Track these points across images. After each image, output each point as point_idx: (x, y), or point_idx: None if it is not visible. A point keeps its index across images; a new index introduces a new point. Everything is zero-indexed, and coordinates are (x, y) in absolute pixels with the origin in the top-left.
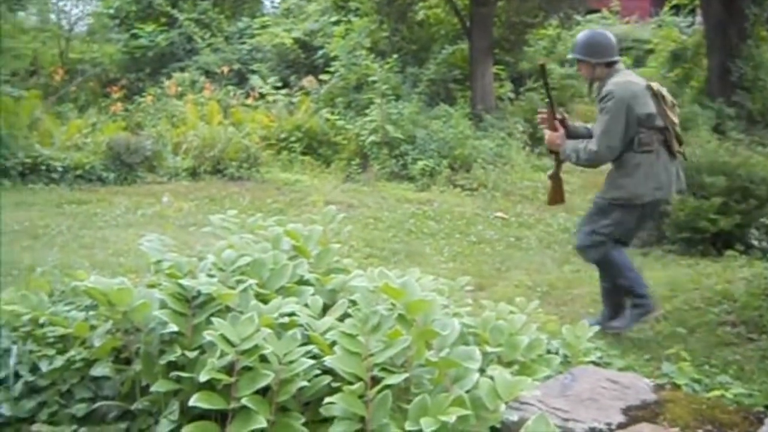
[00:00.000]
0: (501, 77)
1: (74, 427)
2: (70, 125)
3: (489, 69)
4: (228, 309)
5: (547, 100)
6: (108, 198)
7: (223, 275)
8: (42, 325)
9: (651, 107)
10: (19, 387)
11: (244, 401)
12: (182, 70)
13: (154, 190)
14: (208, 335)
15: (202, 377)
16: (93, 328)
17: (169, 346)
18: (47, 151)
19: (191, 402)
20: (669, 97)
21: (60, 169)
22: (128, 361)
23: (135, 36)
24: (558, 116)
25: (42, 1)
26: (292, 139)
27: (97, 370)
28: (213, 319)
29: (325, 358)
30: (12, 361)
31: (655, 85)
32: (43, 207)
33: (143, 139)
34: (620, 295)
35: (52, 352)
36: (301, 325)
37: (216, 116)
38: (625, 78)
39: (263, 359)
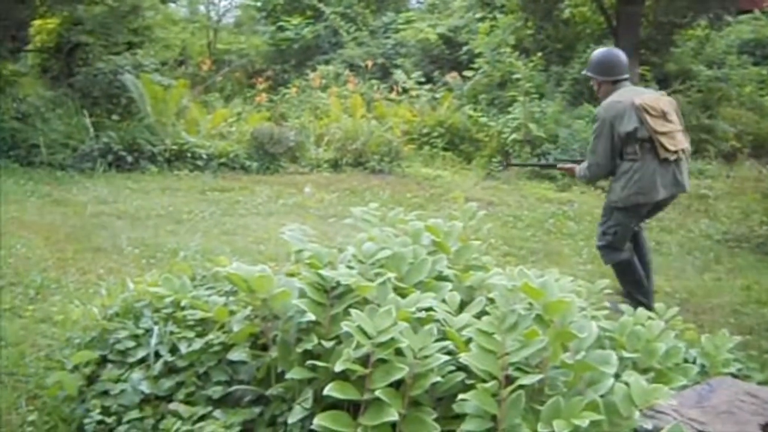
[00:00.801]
0: (646, 78)
1: (209, 408)
2: (216, 114)
3: (635, 69)
4: (366, 301)
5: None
6: (250, 186)
7: (363, 267)
8: (183, 308)
9: (633, 123)
10: (158, 366)
11: (377, 393)
12: (327, 63)
13: (295, 180)
14: (345, 326)
15: (338, 367)
16: (232, 313)
17: (306, 335)
18: (193, 138)
19: (325, 391)
20: (659, 108)
21: (205, 156)
22: (265, 348)
23: (281, 28)
24: (560, 165)
25: None
26: (434, 134)
27: (235, 355)
28: (351, 310)
29: (460, 355)
30: (153, 341)
31: (639, 100)
32: (187, 193)
33: (287, 130)
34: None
35: (191, 334)
36: (437, 321)
37: (359, 109)
38: (614, 98)
39: (398, 352)
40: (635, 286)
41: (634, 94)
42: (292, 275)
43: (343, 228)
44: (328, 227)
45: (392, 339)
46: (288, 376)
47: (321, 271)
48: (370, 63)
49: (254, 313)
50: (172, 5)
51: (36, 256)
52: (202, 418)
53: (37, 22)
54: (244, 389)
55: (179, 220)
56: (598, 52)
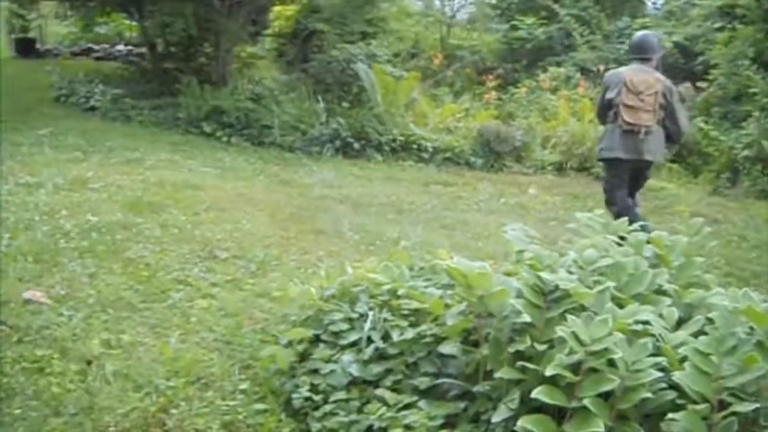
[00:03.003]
0: None
1: (415, 398)
2: (444, 108)
3: None
4: (582, 308)
5: None
6: (473, 183)
7: (582, 273)
8: (399, 297)
9: (615, 92)
10: (369, 351)
11: (585, 402)
12: (558, 64)
13: (518, 180)
14: (560, 331)
15: (548, 371)
16: (447, 306)
17: (519, 336)
18: (420, 131)
19: (533, 394)
20: (637, 88)
21: (430, 149)
22: (476, 344)
23: (514, 27)
24: None
25: None
26: None
27: (446, 348)
28: (567, 315)
29: (673, 373)
30: (367, 326)
31: (629, 76)
32: (411, 184)
33: (514, 129)
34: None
35: (404, 323)
36: (653, 335)
37: (588, 114)
38: (620, 70)
39: (611, 363)
40: None
41: (633, 72)
42: (509, 275)
43: (564, 232)
44: (547, 230)
45: (606, 349)
46: (497, 375)
47: (540, 274)
48: (601, 67)
49: (469, 308)
50: None
51: (260, 233)
52: (407, 406)
53: (276, 8)
54: (451, 383)
55: (401, 210)
56: (637, 34)
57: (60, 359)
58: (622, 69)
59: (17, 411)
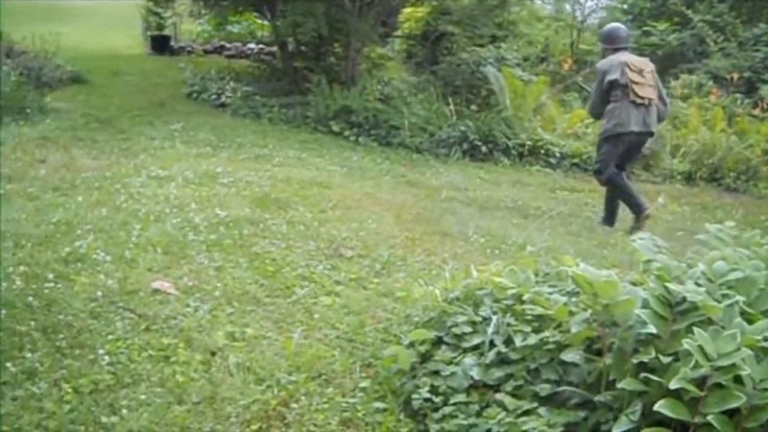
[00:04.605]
0: None
1: (535, 404)
2: (573, 114)
3: None
4: (710, 321)
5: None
6: (600, 190)
7: (711, 286)
8: (524, 302)
9: (617, 73)
10: (491, 355)
11: (709, 418)
12: (690, 72)
13: (646, 188)
14: (686, 344)
15: (672, 385)
16: (571, 314)
17: (643, 347)
18: (548, 136)
19: (656, 407)
20: (638, 67)
21: (558, 154)
22: (599, 353)
23: (646, 33)
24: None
25: None
26: None
27: (568, 356)
28: (694, 328)
29: None
30: (490, 330)
31: (625, 59)
32: (537, 189)
33: None
34: (615, 203)
35: (528, 329)
36: None
37: (719, 123)
38: (611, 57)
39: (737, 380)
40: (628, 196)
41: (624, 56)
42: (635, 284)
43: (693, 243)
44: (676, 240)
45: (733, 365)
46: (619, 385)
47: (668, 284)
48: (735, 76)
49: (594, 317)
50: (538, 2)
51: (385, 233)
52: (527, 413)
53: (407, 10)
54: (572, 391)
55: (526, 215)
56: (606, 27)
57: (185, 349)
58: (613, 56)
59: (142, 396)
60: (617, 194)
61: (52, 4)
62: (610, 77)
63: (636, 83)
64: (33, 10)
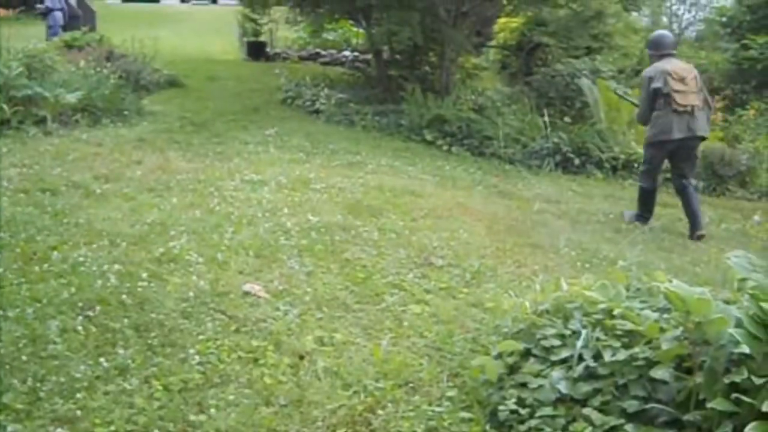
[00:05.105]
0: None
1: (622, 420)
2: None
3: None
4: None
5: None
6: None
7: None
8: (614, 317)
9: (660, 82)
10: (579, 369)
11: None
12: None
13: (741, 205)
14: None
15: (765, 407)
16: (662, 330)
17: (735, 367)
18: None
19: (747, 429)
20: (679, 74)
21: None
22: (689, 371)
23: (745, 47)
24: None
25: (656, 3)
26: None
27: (658, 373)
28: None
29: None
30: (579, 343)
31: (669, 67)
32: (630, 203)
33: (739, 153)
34: (693, 210)
35: (617, 344)
36: None
37: None
38: (656, 65)
39: None
40: (645, 209)
41: (668, 64)
42: (729, 303)
43: None
44: None
45: None
46: (710, 405)
47: (763, 304)
48: None
49: (685, 334)
50: (635, 14)
51: (476, 243)
52: (613, 429)
53: (501, 20)
54: (660, 409)
55: (618, 229)
56: (652, 34)
57: (274, 352)
58: (658, 63)
59: (231, 397)
60: (640, 196)
61: (153, 8)
62: (654, 85)
63: (677, 92)
64: (133, 14)
